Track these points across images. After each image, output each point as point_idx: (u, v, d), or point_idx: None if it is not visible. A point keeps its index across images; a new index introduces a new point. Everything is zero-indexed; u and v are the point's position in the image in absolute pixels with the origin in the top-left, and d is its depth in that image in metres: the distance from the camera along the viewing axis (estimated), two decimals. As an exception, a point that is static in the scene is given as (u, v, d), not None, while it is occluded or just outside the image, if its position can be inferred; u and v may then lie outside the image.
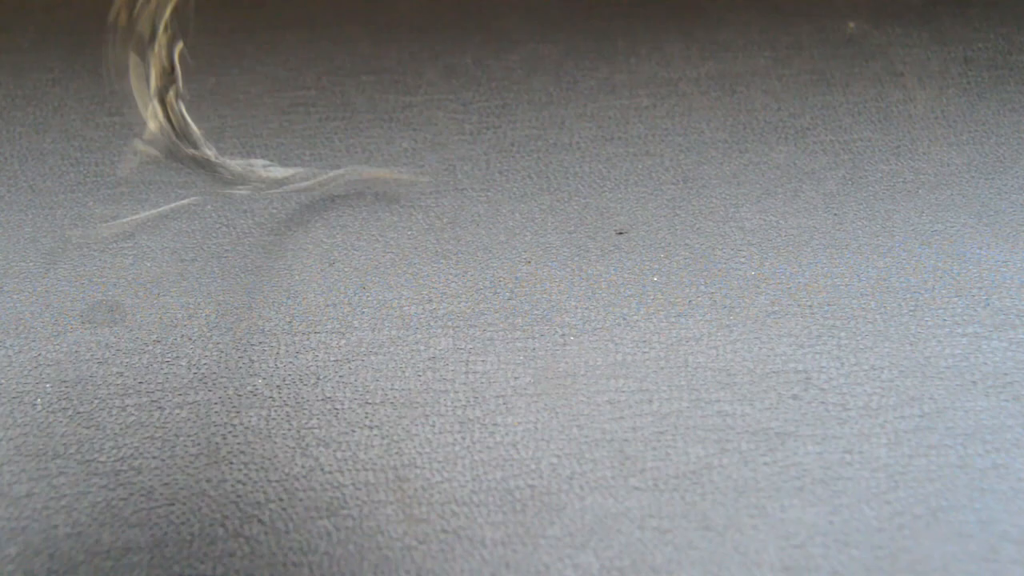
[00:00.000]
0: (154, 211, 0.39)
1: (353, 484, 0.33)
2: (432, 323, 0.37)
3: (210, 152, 0.37)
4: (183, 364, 0.36)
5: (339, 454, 0.33)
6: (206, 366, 0.36)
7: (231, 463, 0.33)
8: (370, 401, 0.35)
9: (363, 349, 0.36)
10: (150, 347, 0.36)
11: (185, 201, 0.40)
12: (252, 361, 0.36)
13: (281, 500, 0.32)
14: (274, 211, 0.40)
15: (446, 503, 0.32)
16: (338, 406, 0.35)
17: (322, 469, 0.33)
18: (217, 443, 0.34)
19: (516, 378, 0.35)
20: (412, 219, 0.40)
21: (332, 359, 0.36)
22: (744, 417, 0.34)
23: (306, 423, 0.34)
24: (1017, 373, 0.35)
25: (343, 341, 0.36)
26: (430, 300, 0.37)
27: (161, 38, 0.35)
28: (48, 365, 0.36)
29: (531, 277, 0.38)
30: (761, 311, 0.37)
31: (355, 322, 0.37)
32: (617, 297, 0.37)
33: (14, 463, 0.33)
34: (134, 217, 0.39)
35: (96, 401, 0.35)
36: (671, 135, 0.42)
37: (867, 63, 0.44)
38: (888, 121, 0.42)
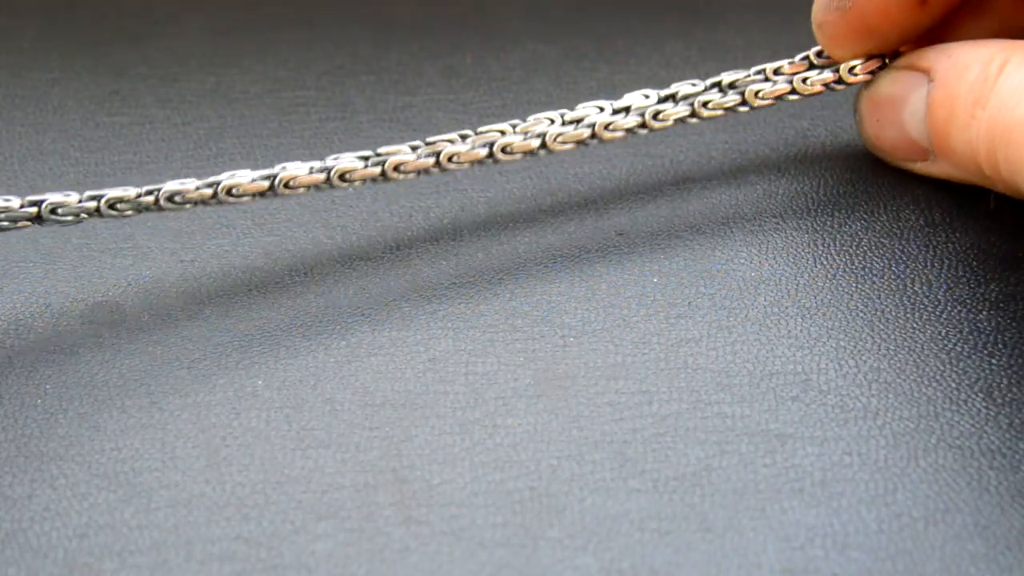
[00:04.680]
0: None
1: (353, 486, 0.33)
2: (432, 324, 0.37)
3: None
4: (183, 364, 0.36)
5: (339, 456, 0.33)
6: (206, 366, 0.36)
7: (231, 464, 0.33)
8: (370, 403, 0.35)
9: (363, 350, 0.36)
10: (150, 347, 0.36)
11: None
12: (252, 361, 0.36)
13: (281, 502, 0.32)
14: (274, 211, 0.40)
15: (446, 505, 0.32)
16: (338, 407, 0.35)
17: (322, 471, 0.33)
18: (217, 444, 0.34)
19: (516, 380, 0.35)
20: (412, 220, 0.40)
21: (332, 360, 0.36)
22: (744, 419, 0.34)
23: (306, 424, 0.34)
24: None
25: (343, 342, 0.36)
26: (430, 300, 0.37)
27: None
28: (48, 365, 0.36)
29: (531, 277, 0.38)
30: (761, 312, 0.37)
31: (355, 323, 0.37)
32: (617, 298, 0.37)
33: (15, 464, 0.33)
34: None
35: (96, 402, 0.35)
36: (671, 135, 0.42)
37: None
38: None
